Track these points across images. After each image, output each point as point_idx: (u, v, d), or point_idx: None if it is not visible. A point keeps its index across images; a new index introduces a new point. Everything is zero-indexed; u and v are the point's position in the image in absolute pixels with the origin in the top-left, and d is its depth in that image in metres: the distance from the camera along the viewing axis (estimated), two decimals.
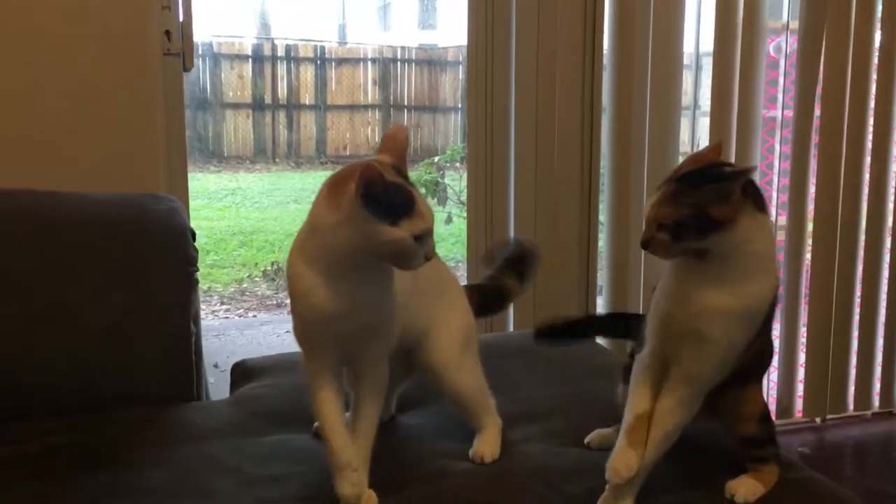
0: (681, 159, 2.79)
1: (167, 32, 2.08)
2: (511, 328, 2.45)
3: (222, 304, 4.85)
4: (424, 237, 1.06)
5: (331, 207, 1.07)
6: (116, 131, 2.01)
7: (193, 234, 1.62)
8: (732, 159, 2.55)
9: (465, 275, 2.54)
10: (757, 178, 2.72)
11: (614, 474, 1.10)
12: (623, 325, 1.41)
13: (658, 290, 1.16)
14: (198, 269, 1.59)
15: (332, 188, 1.09)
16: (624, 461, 1.10)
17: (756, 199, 1.07)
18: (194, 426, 1.40)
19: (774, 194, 2.72)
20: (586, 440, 1.31)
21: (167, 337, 1.53)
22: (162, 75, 2.09)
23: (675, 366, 1.12)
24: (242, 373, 1.63)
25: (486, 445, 1.27)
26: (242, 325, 4.42)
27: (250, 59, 8.01)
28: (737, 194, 1.04)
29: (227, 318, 4.64)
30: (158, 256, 1.55)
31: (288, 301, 1.18)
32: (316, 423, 1.36)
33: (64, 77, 1.96)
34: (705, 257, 1.07)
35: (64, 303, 1.49)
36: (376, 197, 1.03)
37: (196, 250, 1.60)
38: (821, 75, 2.57)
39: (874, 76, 2.63)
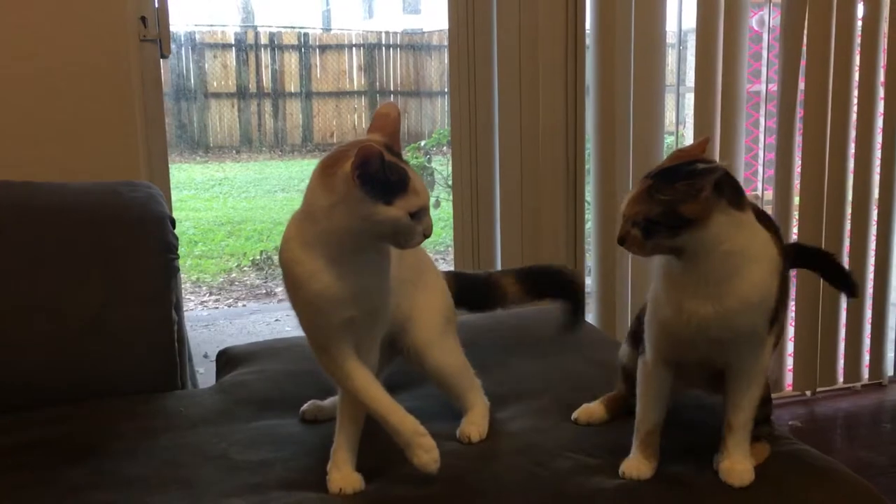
0: (666, 138, 2.78)
1: (143, 18, 2.06)
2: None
3: (211, 294, 4.83)
4: (420, 214, 1.06)
5: (325, 190, 1.06)
6: (94, 120, 1.99)
7: (173, 221, 1.60)
8: (718, 136, 2.54)
9: (454, 259, 2.53)
10: (742, 153, 2.72)
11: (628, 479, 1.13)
12: None
13: (651, 294, 1.14)
14: (177, 257, 1.57)
15: (325, 171, 1.07)
16: (637, 471, 1.14)
17: (733, 197, 1.05)
18: (178, 415, 1.39)
19: (760, 169, 2.71)
20: (573, 416, 1.31)
21: (148, 326, 1.51)
22: (139, 62, 2.07)
23: (725, 365, 1.13)
24: (228, 360, 1.62)
25: (473, 425, 1.26)
26: (232, 315, 4.40)
27: (233, 48, 7.95)
28: (707, 192, 1.02)
29: (217, 308, 4.62)
30: (137, 244, 1.53)
31: (279, 289, 1.16)
32: (303, 408, 1.35)
33: (39, 65, 1.93)
34: (682, 256, 1.06)
35: (42, 294, 1.47)
36: (372, 176, 1.02)
37: (175, 237, 1.58)
38: (804, 48, 2.56)
39: (857, 48, 2.62)
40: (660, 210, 1.03)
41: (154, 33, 2.07)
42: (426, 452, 1.10)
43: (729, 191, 1.05)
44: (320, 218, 1.06)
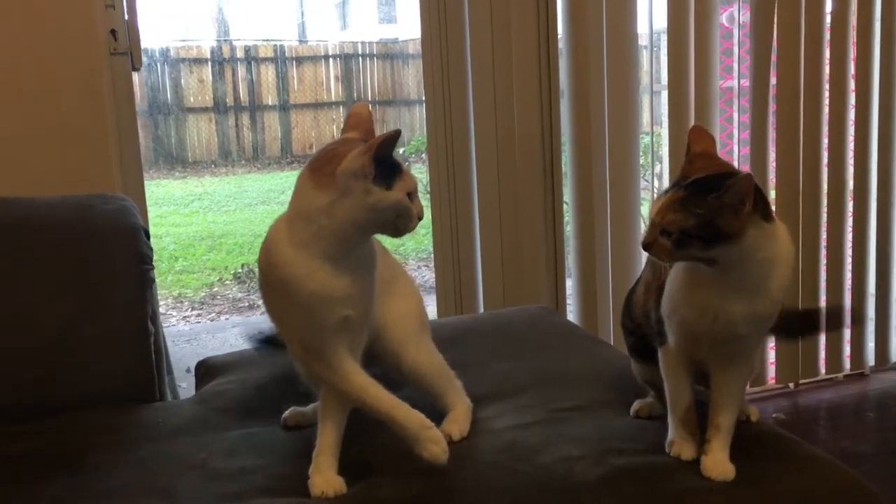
0: (642, 138, 2.80)
1: (113, 31, 2.05)
2: (481, 310, 2.44)
3: (193, 309, 4.79)
4: (413, 196, 1.08)
5: (321, 190, 1.07)
6: (67, 134, 1.98)
7: (147, 232, 1.59)
8: None
9: (434, 266, 2.52)
10: (718, 149, 2.74)
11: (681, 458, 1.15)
12: None
13: (672, 293, 1.14)
14: (152, 267, 1.56)
15: (317, 171, 1.08)
16: (687, 451, 1.15)
17: (763, 209, 1.06)
18: (156, 426, 1.37)
19: (735, 164, 2.73)
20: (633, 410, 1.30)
21: (124, 337, 1.50)
22: (111, 75, 2.06)
23: (721, 365, 1.15)
24: (206, 370, 1.60)
25: (454, 423, 1.26)
26: (214, 329, 4.37)
27: (209, 63, 7.93)
28: (748, 207, 1.02)
29: (199, 322, 4.59)
30: (110, 256, 1.52)
31: (261, 301, 1.15)
32: (285, 414, 1.34)
33: (10, 80, 1.92)
34: (713, 265, 1.07)
35: (17, 308, 1.46)
36: (384, 160, 1.04)
37: (150, 248, 1.57)
38: (774, 43, 2.58)
39: (827, 42, 2.65)
40: (695, 222, 1.02)
41: (125, 46, 2.07)
42: (435, 444, 1.10)
43: (761, 204, 1.06)
44: (318, 217, 1.06)
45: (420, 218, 1.10)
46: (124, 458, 1.26)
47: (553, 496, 1.08)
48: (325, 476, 1.13)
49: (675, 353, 1.17)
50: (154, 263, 1.59)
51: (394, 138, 1.05)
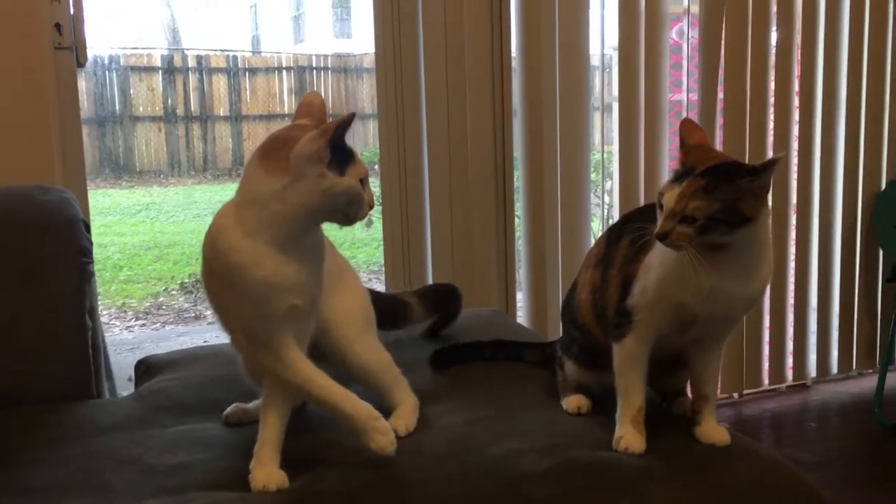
0: (594, 155, 2.83)
1: (58, 26, 2.00)
2: None
3: (137, 318, 4.68)
4: (365, 183, 1.07)
5: (273, 175, 1.04)
6: (7, 128, 1.93)
7: (87, 225, 1.54)
8: (642, 145, 2.60)
9: (385, 278, 2.51)
10: (665, 160, 2.77)
11: (628, 451, 1.16)
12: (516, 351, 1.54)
13: (660, 277, 1.14)
14: (92, 261, 1.51)
15: (268, 156, 1.06)
16: (637, 445, 1.16)
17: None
18: (92, 423, 1.32)
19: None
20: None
21: (61, 332, 1.44)
22: (54, 70, 2.01)
23: (702, 345, 1.20)
24: (147, 369, 1.56)
25: (400, 419, 1.24)
26: (158, 338, 4.27)
27: (160, 71, 7.81)
28: (769, 188, 1.06)
29: (143, 331, 4.48)
30: (48, 248, 1.46)
31: (209, 312, 1.12)
32: (227, 411, 1.31)
33: None
34: (724, 249, 1.08)
35: None
36: (339, 146, 1.03)
37: (90, 241, 1.52)
38: (722, 59, 2.64)
39: (773, 58, 2.72)
40: (720, 207, 1.04)
41: (69, 41, 2.02)
42: (383, 435, 1.09)
43: None
44: (269, 202, 1.04)
45: (371, 206, 1.08)
46: (55, 453, 1.21)
47: (500, 487, 1.06)
48: (266, 469, 1.10)
49: (632, 348, 1.17)
50: (95, 262, 1.54)
51: (348, 122, 1.04)
